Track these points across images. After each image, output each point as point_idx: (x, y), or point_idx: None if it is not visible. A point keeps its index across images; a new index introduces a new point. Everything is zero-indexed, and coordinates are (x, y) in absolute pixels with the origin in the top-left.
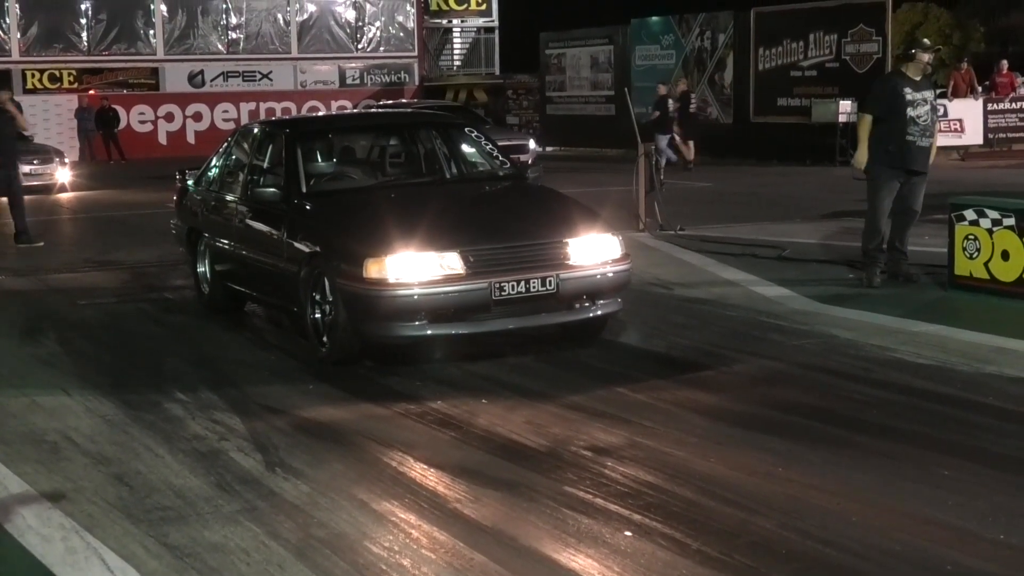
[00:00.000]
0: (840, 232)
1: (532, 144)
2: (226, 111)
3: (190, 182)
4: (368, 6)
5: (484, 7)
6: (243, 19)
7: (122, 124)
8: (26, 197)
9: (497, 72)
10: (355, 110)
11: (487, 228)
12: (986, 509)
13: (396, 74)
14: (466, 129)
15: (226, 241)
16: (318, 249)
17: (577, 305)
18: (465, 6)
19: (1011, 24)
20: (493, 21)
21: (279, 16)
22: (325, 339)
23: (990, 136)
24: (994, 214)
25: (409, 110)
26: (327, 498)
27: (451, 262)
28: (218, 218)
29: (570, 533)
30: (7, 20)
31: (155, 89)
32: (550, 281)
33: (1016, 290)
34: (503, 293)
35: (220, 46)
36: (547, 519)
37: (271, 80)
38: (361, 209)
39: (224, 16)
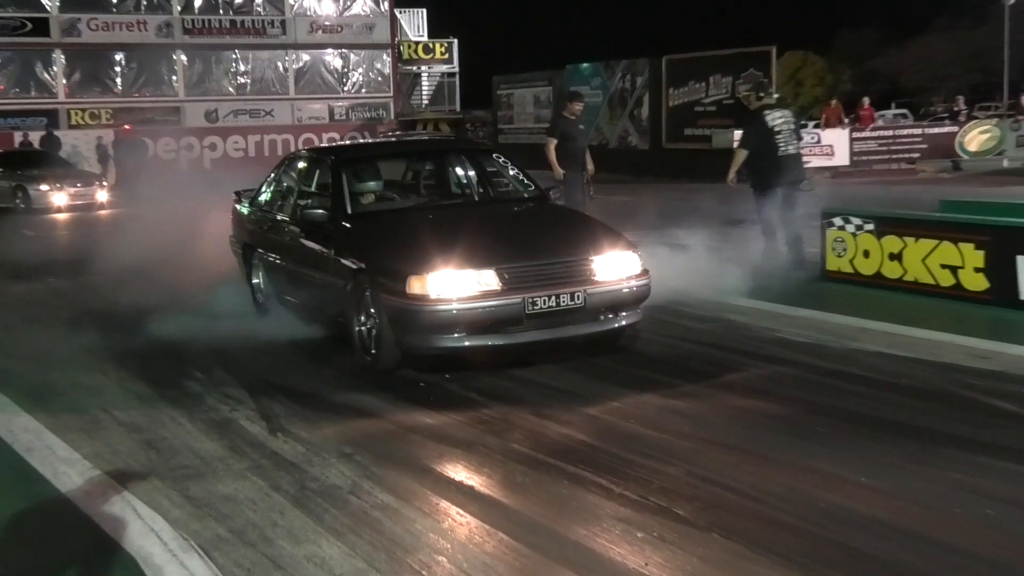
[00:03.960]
0: (731, 236)
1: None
2: (236, 142)
3: (245, 203)
4: (352, 55)
5: (447, 56)
6: (249, 67)
7: (150, 153)
8: (71, 214)
9: (458, 108)
10: (349, 141)
11: (520, 247)
12: (853, 459)
13: (375, 111)
14: (493, 155)
15: (277, 256)
16: (363, 266)
17: (602, 317)
18: (431, 55)
19: (873, 67)
20: (454, 67)
21: (279, 64)
22: (372, 349)
23: (855, 158)
24: (857, 221)
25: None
26: (320, 457)
27: (487, 279)
28: (270, 235)
29: (516, 481)
30: (55, 68)
31: (177, 124)
32: (578, 296)
33: (875, 281)
34: (535, 307)
35: (231, 89)
36: (498, 471)
37: (273, 116)
38: (402, 229)
39: (234, 64)
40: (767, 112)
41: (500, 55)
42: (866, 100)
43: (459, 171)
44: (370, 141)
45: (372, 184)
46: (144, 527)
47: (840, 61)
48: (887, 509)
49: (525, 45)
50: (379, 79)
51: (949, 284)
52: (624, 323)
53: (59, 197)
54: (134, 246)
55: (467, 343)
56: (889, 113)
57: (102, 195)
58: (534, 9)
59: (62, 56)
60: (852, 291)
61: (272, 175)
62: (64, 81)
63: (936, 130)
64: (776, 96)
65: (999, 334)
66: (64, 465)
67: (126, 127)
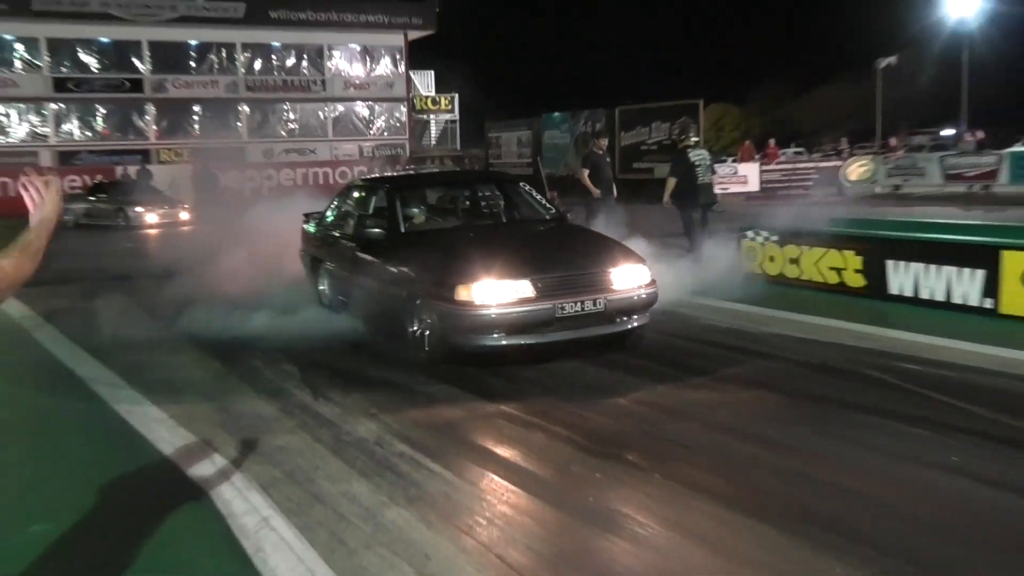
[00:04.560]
0: (666, 245)
1: None
2: (287, 174)
3: (313, 222)
4: (376, 107)
5: (450, 107)
6: (297, 115)
7: (221, 183)
8: (159, 230)
9: (458, 147)
10: (391, 173)
11: (549, 260)
12: (773, 421)
13: (394, 149)
14: (520, 184)
15: (339, 267)
16: (416, 276)
17: (618, 320)
18: (438, 107)
19: (778, 116)
20: (455, 116)
21: (320, 113)
22: (425, 347)
23: (763, 186)
24: (764, 234)
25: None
26: (352, 416)
27: (523, 288)
28: (333, 250)
29: (504, 434)
30: (147, 117)
31: (242, 160)
32: (599, 302)
33: (779, 280)
34: (564, 311)
35: (283, 133)
36: (488, 428)
37: (315, 154)
38: (448, 245)
39: (285, 114)
40: (689, 151)
41: (491, 106)
42: (772, 141)
43: (491, 197)
44: (417, 172)
45: (421, 208)
46: (216, 471)
47: (752, 111)
48: (797, 459)
49: (510, 98)
50: (397, 125)
51: (835, 282)
52: (636, 325)
53: (150, 216)
54: (211, 254)
55: (505, 342)
56: (790, 151)
57: (184, 215)
58: (517, 71)
59: (153, 108)
60: (762, 287)
61: (335, 200)
62: (155, 127)
63: (825, 164)
64: (695, 139)
65: (874, 320)
66: (156, 424)
67: (202, 163)
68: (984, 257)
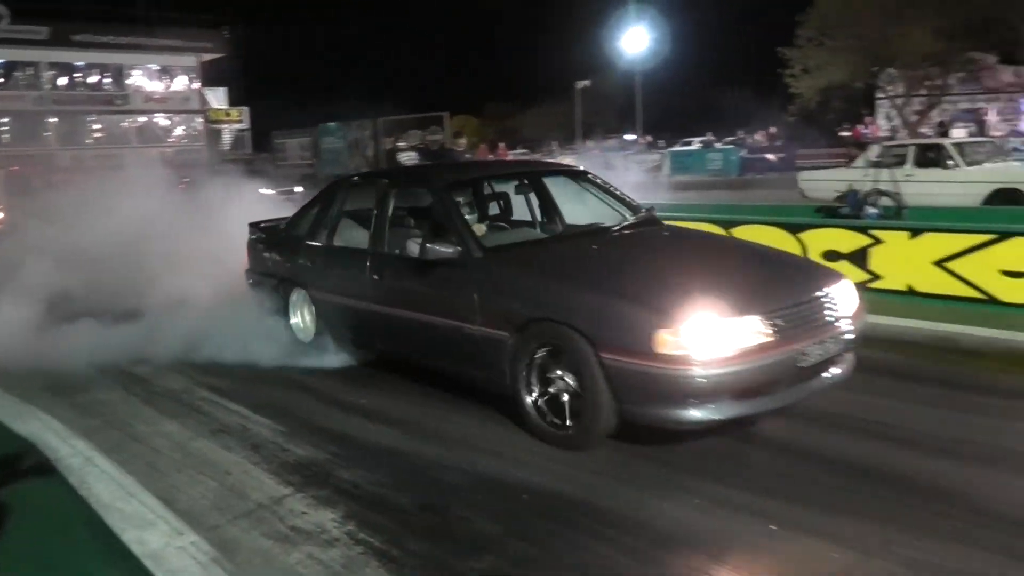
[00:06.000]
0: None
1: (299, 188)
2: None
3: (276, 235)
4: (175, 118)
5: (240, 119)
6: (103, 126)
7: (33, 187)
8: None
9: (250, 151)
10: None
11: (763, 284)
12: None
13: (192, 155)
14: (589, 175)
15: (345, 295)
16: (547, 315)
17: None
18: (230, 118)
19: (507, 125)
20: (245, 125)
21: (123, 124)
22: (568, 420)
23: None
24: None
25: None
26: (162, 373)
27: (754, 327)
28: (331, 271)
29: (303, 363)
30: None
31: (51, 166)
32: (841, 338)
33: None
34: (806, 359)
35: (89, 141)
36: (284, 370)
37: (121, 160)
38: (586, 267)
39: (91, 125)
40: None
41: (275, 118)
42: (502, 144)
43: (568, 196)
44: (463, 162)
45: (479, 211)
46: (43, 425)
47: (487, 121)
48: None
49: (292, 110)
50: (195, 133)
51: None
52: (853, 364)
53: None
54: (31, 250)
55: (737, 412)
56: (517, 151)
57: None
58: (296, 90)
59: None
60: None
61: (319, 205)
62: None
63: None
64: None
65: None
66: None
67: (14, 168)
68: None
